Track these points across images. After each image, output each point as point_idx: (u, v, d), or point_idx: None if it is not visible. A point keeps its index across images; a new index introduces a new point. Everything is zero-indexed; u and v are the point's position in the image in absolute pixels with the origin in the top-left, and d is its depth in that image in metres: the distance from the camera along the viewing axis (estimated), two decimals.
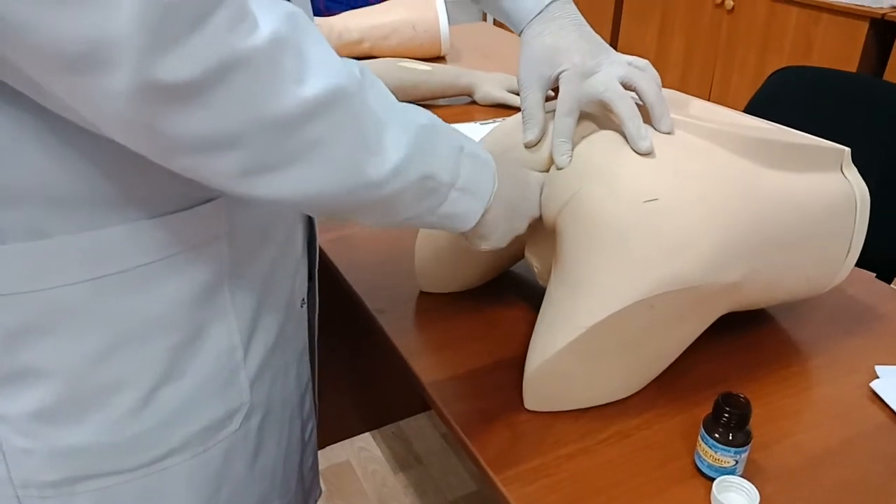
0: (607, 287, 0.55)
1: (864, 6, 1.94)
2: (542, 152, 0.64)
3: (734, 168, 0.60)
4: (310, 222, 0.63)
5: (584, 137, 0.63)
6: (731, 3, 2.29)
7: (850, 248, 0.67)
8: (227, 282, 0.49)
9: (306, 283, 0.62)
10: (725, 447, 0.53)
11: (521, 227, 0.58)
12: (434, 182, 0.47)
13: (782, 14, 2.17)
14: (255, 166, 0.39)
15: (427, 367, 0.65)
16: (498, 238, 0.56)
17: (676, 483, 0.54)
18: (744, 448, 0.53)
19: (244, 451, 0.55)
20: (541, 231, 0.62)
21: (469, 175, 0.50)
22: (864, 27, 1.95)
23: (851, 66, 2.00)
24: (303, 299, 0.61)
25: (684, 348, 0.63)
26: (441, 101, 1.24)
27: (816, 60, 2.10)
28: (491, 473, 0.55)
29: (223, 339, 0.50)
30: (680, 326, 0.61)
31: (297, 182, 0.40)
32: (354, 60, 0.44)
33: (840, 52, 2.03)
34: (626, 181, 0.57)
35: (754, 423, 0.54)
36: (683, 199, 0.57)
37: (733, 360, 0.67)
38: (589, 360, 0.57)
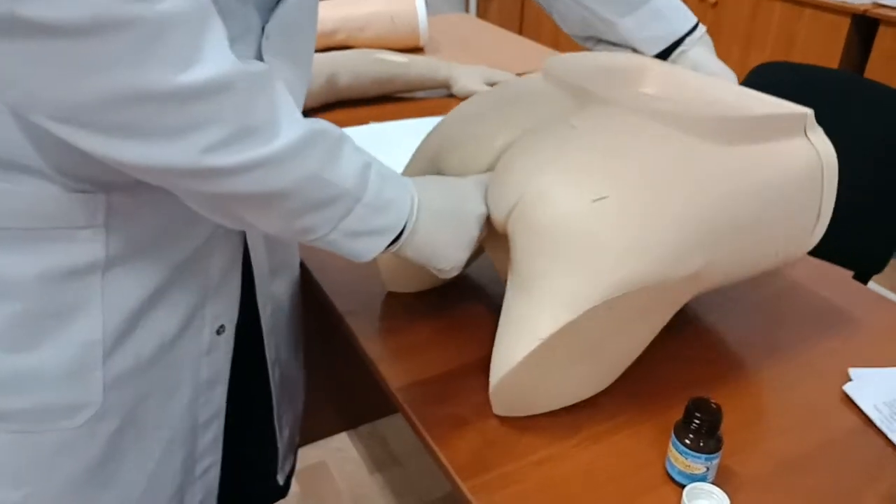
0: (561, 295, 0.53)
1: (845, 2, 1.95)
2: (486, 150, 0.61)
3: (688, 152, 0.57)
4: (245, 252, 0.60)
5: (527, 130, 0.60)
6: None
7: (819, 214, 0.65)
8: (102, 275, 0.49)
9: (234, 312, 0.60)
10: (696, 454, 0.52)
11: (471, 235, 0.57)
12: (335, 190, 0.46)
13: (766, 9, 2.16)
14: (117, 131, 0.39)
15: (396, 371, 0.64)
16: (450, 254, 0.55)
17: (647, 490, 0.53)
18: (715, 455, 0.52)
19: (86, 453, 0.53)
20: (495, 231, 0.60)
21: (377, 191, 0.49)
22: (846, 23, 1.96)
23: (833, 62, 2.01)
24: (222, 326, 0.59)
25: (650, 340, 0.62)
26: (419, 94, 1.22)
27: (798, 56, 2.10)
28: (459, 481, 0.54)
29: (81, 330, 0.49)
30: (643, 323, 0.59)
31: (150, 155, 0.40)
32: (261, 62, 0.44)
33: (822, 47, 2.04)
34: (571, 180, 0.54)
35: (726, 428, 0.54)
36: (634, 193, 0.54)
37: (705, 363, 0.66)
38: (552, 366, 0.56)
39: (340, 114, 1.14)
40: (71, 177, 0.46)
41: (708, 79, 0.69)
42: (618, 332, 0.57)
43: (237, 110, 0.41)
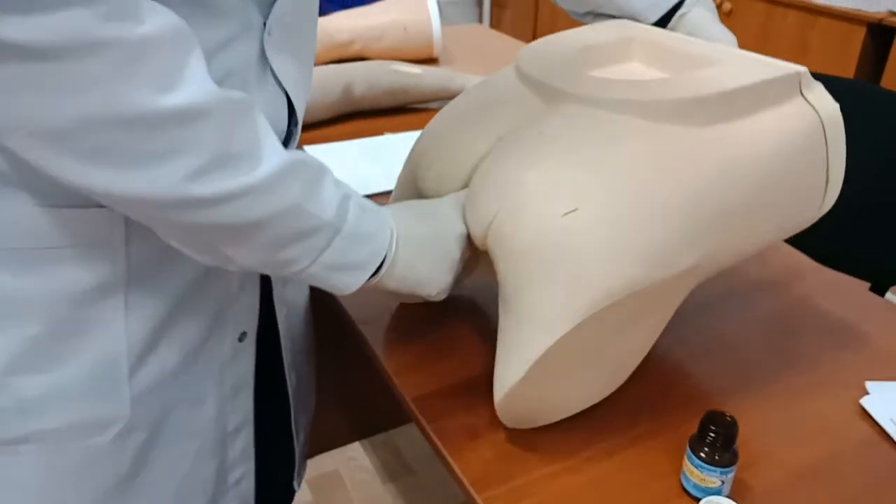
0: (545, 314, 0.51)
1: (861, 11, 1.93)
2: (460, 165, 0.60)
3: (666, 142, 0.53)
4: None
5: (499, 138, 0.59)
6: (730, 5, 2.29)
7: (827, 179, 0.60)
8: (124, 291, 0.49)
9: (254, 318, 0.60)
10: (711, 467, 0.52)
11: (453, 257, 0.57)
12: (315, 220, 0.46)
13: (779, 17, 2.16)
14: (96, 156, 0.38)
15: (410, 381, 0.64)
16: (433, 280, 0.56)
17: (661, 503, 0.53)
18: (730, 468, 0.52)
19: (116, 467, 0.53)
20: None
21: (357, 223, 0.49)
22: (862, 32, 1.94)
23: (848, 71, 2.00)
24: (243, 333, 0.59)
25: (655, 339, 0.61)
26: (433, 105, 1.23)
27: (812, 65, 2.09)
28: (473, 493, 0.54)
29: (105, 346, 0.49)
30: (642, 323, 0.58)
31: (133, 183, 0.39)
32: (239, 92, 0.43)
33: (837, 56, 2.02)
34: (541, 195, 0.52)
35: (742, 440, 0.53)
36: (608, 198, 0.51)
37: (720, 375, 0.66)
38: (552, 381, 0.55)
39: (356, 125, 1.15)
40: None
41: (701, 45, 0.64)
42: (616, 337, 0.56)
43: (218, 137, 0.40)
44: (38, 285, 0.46)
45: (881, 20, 1.90)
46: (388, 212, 0.54)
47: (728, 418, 0.52)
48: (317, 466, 1.40)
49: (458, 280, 0.61)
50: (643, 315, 0.57)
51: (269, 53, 0.50)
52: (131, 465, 0.54)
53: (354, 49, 1.33)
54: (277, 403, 0.72)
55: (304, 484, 1.38)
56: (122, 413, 0.52)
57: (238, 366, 0.60)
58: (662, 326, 0.60)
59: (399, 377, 0.64)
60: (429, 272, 0.55)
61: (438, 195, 0.62)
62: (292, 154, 0.46)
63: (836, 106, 0.59)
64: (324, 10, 1.53)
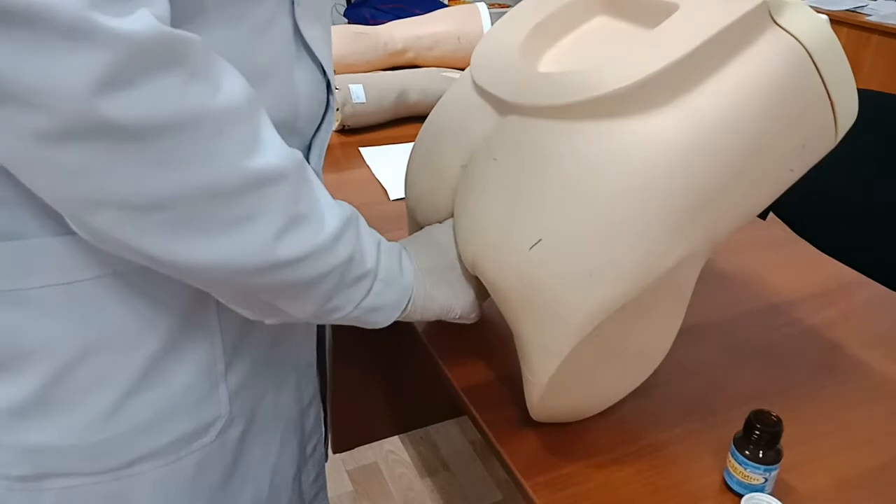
0: (540, 344, 0.51)
1: None
2: (438, 204, 0.62)
3: (625, 142, 0.48)
4: None
5: (463, 166, 0.58)
6: None
7: (833, 106, 0.51)
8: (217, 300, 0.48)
9: None
10: (755, 464, 0.53)
11: (467, 275, 0.59)
12: (361, 269, 0.48)
13: None
14: (181, 230, 0.38)
15: (461, 371, 0.67)
16: (455, 303, 0.58)
17: (704, 498, 0.55)
18: (774, 466, 0.53)
19: (221, 462, 0.54)
20: None
21: (388, 266, 0.51)
22: None
23: None
24: None
25: (679, 321, 0.58)
26: None
27: (864, 82, 2.06)
28: (521, 479, 0.56)
29: (204, 352, 0.50)
30: (655, 313, 0.55)
31: (218, 250, 0.40)
32: (296, 151, 0.43)
33: (891, 74, 1.99)
34: (504, 234, 0.51)
35: (786, 443, 0.55)
36: (567, 221, 0.48)
37: (767, 379, 0.67)
38: (575, 387, 0.56)
39: (410, 128, 1.19)
40: None
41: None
42: (632, 331, 0.55)
43: (292, 197, 0.41)
44: (150, 305, 0.46)
45: None
46: (405, 251, 0.56)
47: (773, 417, 0.54)
48: (357, 458, 1.44)
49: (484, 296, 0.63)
50: (653, 306, 0.53)
51: (301, 24, 0.48)
52: (233, 459, 0.55)
53: (408, 57, 1.38)
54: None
55: (344, 474, 1.42)
56: (223, 412, 0.53)
57: (309, 344, 0.63)
58: (684, 307, 0.57)
59: (450, 368, 0.67)
60: (447, 296, 0.58)
61: (433, 221, 0.64)
62: (339, 206, 0.47)
63: (821, 21, 0.49)
64: (377, 20, 1.58)
